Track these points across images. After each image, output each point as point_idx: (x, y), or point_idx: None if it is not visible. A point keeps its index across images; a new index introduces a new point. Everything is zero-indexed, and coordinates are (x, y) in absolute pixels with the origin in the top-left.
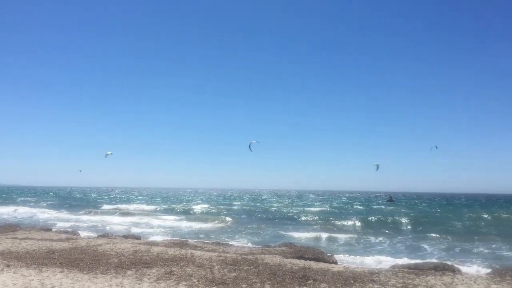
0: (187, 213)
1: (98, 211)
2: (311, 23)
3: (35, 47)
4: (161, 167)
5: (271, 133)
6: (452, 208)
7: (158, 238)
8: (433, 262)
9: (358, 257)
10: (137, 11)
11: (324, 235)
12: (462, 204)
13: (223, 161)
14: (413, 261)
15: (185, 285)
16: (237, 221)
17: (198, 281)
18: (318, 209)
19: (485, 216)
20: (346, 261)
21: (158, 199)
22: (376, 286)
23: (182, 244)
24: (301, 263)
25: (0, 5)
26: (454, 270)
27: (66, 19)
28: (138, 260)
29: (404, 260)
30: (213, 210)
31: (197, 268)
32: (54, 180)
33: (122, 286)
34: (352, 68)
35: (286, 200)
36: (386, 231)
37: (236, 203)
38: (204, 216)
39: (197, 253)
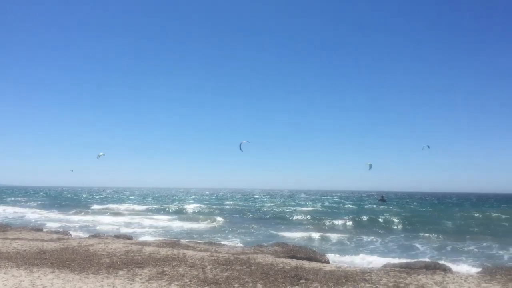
0: (179, 213)
1: (89, 211)
2: (311, 23)
3: (35, 47)
4: (161, 167)
5: (271, 133)
6: (443, 207)
7: (150, 238)
8: (424, 261)
9: (350, 256)
10: (137, 11)
11: (316, 235)
12: (453, 203)
13: (223, 161)
14: (404, 260)
15: (177, 285)
16: (229, 221)
17: (190, 281)
18: (310, 208)
19: (476, 215)
20: (338, 260)
21: (150, 199)
22: (368, 285)
23: (174, 244)
24: (293, 262)
25: (0, 4)
26: (445, 269)
27: (66, 19)
28: (130, 260)
29: (396, 259)
30: (205, 210)
31: (189, 268)
32: (54, 180)
33: (113, 286)
34: (352, 68)
35: (279, 200)
36: (378, 231)
37: (228, 202)
38: (196, 216)
39: (189, 253)
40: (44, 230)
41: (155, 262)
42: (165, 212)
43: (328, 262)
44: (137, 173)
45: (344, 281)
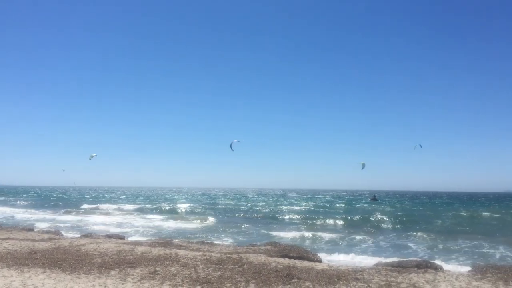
0: (171, 213)
1: (80, 210)
2: (311, 23)
3: (35, 46)
4: (153, 167)
5: (271, 133)
6: (435, 207)
7: (142, 238)
8: (416, 260)
9: (342, 255)
10: (137, 11)
11: (309, 234)
12: (444, 202)
13: (214, 161)
14: (396, 259)
15: (169, 284)
16: (221, 220)
17: (182, 280)
18: (303, 208)
19: (467, 214)
20: (330, 259)
21: (142, 198)
22: (359, 284)
23: (167, 244)
24: (286, 261)
25: (0, 4)
26: (436, 268)
27: (66, 19)
28: (122, 260)
29: (388, 258)
30: (198, 209)
31: (182, 267)
32: (54, 180)
33: (105, 286)
34: (352, 68)
35: (271, 199)
36: (370, 230)
37: (220, 202)
38: (188, 215)
39: (182, 252)
40: (35, 230)
41: (147, 261)
42: (157, 211)
43: (320, 261)
44: (129, 172)
45: (336, 280)
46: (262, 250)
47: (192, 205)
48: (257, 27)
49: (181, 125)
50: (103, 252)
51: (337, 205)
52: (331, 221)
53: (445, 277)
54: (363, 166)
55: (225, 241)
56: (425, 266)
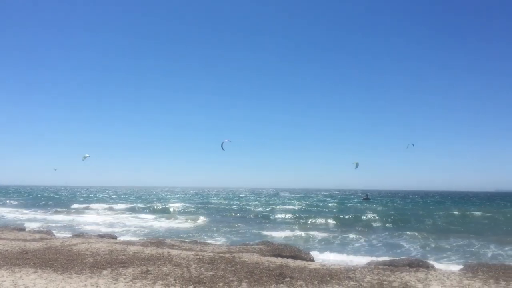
0: (164, 212)
1: (71, 210)
2: (311, 23)
3: (35, 46)
4: (146, 166)
5: (271, 133)
6: (426, 206)
7: (134, 237)
8: (408, 259)
9: (334, 254)
10: (137, 11)
11: (301, 233)
12: (436, 201)
13: (207, 161)
14: (388, 258)
15: (162, 284)
16: (214, 220)
17: (174, 280)
18: (295, 207)
19: (459, 213)
20: (323, 258)
21: (134, 198)
22: (352, 283)
23: (159, 243)
24: (278, 261)
25: (0, 4)
26: (428, 266)
27: (66, 19)
28: (114, 260)
29: (380, 257)
30: (190, 209)
31: (174, 267)
32: (54, 180)
33: (97, 286)
34: (352, 68)
35: (263, 198)
36: (363, 229)
37: (213, 201)
38: (181, 215)
39: (174, 252)
40: (26, 230)
41: (139, 261)
42: (150, 211)
43: (313, 260)
44: (129, 172)
45: (328, 279)
46: (255, 250)
47: (184, 204)
48: (257, 27)
49: (181, 125)
50: (95, 251)
51: (330, 204)
52: (323, 220)
53: (436, 276)
54: (357, 165)
55: (218, 240)
56: (417, 265)
